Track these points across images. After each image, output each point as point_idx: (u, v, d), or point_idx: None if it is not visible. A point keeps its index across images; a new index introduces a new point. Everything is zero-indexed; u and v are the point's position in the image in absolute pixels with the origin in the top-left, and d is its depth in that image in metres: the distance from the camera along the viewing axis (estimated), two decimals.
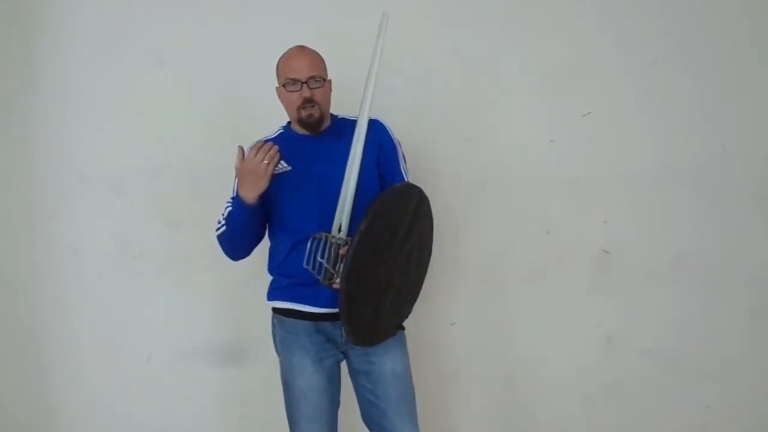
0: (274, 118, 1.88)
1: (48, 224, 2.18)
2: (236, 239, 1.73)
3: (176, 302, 2.21)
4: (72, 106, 2.15)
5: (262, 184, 1.60)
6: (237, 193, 1.64)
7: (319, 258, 1.59)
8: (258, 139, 1.79)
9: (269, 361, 1.85)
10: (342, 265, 1.56)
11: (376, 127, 1.77)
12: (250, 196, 1.61)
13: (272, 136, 1.81)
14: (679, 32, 2.23)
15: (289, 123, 1.84)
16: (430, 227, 1.81)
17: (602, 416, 2.32)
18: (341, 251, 1.60)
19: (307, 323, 1.72)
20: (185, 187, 2.18)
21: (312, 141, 1.76)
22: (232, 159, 1.84)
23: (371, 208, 1.56)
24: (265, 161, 1.58)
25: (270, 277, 1.82)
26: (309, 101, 1.69)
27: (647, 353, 2.30)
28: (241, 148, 1.62)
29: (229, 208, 1.68)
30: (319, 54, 1.75)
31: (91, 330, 2.20)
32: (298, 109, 1.70)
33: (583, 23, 2.22)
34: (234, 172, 1.68)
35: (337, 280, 1.58)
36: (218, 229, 1.73)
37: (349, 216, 1.65)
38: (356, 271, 1.54)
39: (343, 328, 1.65)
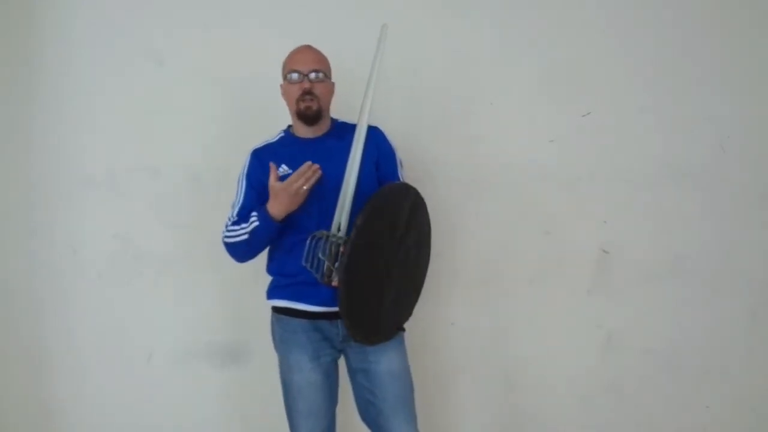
0: (274, 117, 1.88)
1: (48, 224, 2.17)
2: (255, 250, 1.76)
3: (176, 302, 2.21)
4: (72, 106, 2.15)
5: (296, 204, 1.64)
6: (267, 209, 1.65)
7: (319, 255, 1.61)
8: (257, 145, 1.81)
9: (270, 361, 1.85)
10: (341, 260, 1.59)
11: (375, 133, 1.80)
12: (282, 214, 1.64)
13: (273, 141, 1.83)
14: (679, 32, 2.23)
15: (289, 127, 1.85)
16: (428, 230, 1.83)
17: (602, 416, 2.32)
18: (341, 249, 1.61)
19: (304, 321, 1.74)
20: (185, 187, 2.18)
21: (313, 143, 1.77)
22: (232, 159, 1.85)
23: (369, 203, 1.60)
24: (305, 186, 1.61)
25: (270, 277, 1.82)
26: (308, 93, 1.71)
27: (647, 353, 2.30)
28: (274, 166, 1.65)
29: (255, 224, 1.67)
30: (325, 55, 1.78)
31: (91, 330, 2.20)
32: (297, 101, 1.73)
33: (583, 23, 2.22)
34: (236, 178, 1.76)
35: (336, 278, 1.60)
36: (232, 237, 1.73)
37: (348, 215, 1.67)
38: (355, 263, 1.56)
39: (342, 324, 1.67)
